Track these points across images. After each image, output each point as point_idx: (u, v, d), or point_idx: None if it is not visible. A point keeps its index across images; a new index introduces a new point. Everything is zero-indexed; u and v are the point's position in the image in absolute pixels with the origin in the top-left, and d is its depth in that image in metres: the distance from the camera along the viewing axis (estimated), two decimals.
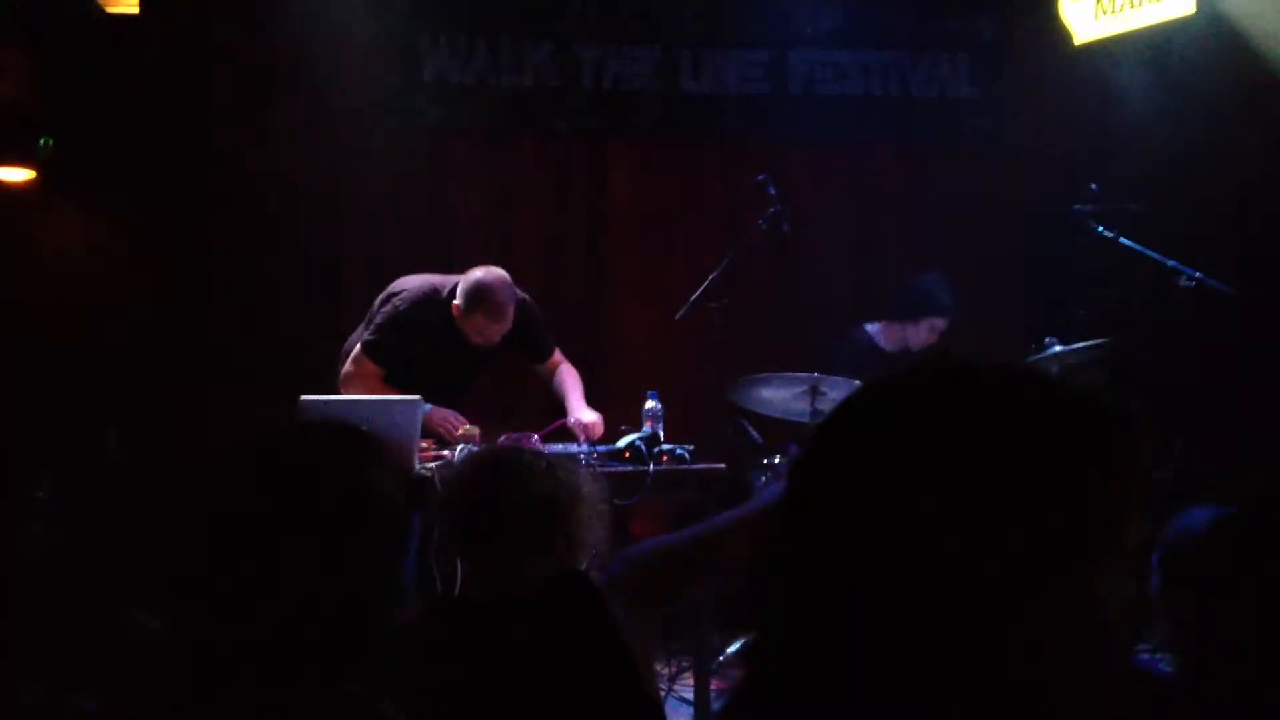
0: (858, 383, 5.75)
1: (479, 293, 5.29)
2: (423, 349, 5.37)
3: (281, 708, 1.61)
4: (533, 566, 2.65)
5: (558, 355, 5.76)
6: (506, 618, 2.60)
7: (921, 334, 6.43)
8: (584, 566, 2.74)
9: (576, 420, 5.36)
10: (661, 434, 5.23)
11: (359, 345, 5.43)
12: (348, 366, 5.43)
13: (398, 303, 5.40)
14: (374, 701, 1.72)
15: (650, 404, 5.30)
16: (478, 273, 5.35)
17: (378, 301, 5.50)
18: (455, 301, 5.32)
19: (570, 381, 5.63)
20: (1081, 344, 5.69)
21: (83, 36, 6.45)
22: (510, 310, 5.32)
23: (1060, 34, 6.76)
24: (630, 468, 4.98)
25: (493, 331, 5.35)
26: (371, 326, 5.42)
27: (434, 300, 5.39)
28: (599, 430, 5.32)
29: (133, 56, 6.57)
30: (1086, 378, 1.14)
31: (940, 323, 6.40)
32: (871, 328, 6.54)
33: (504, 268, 5.48)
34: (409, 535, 1.80)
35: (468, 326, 5.34)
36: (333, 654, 1.67)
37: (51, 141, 6.32)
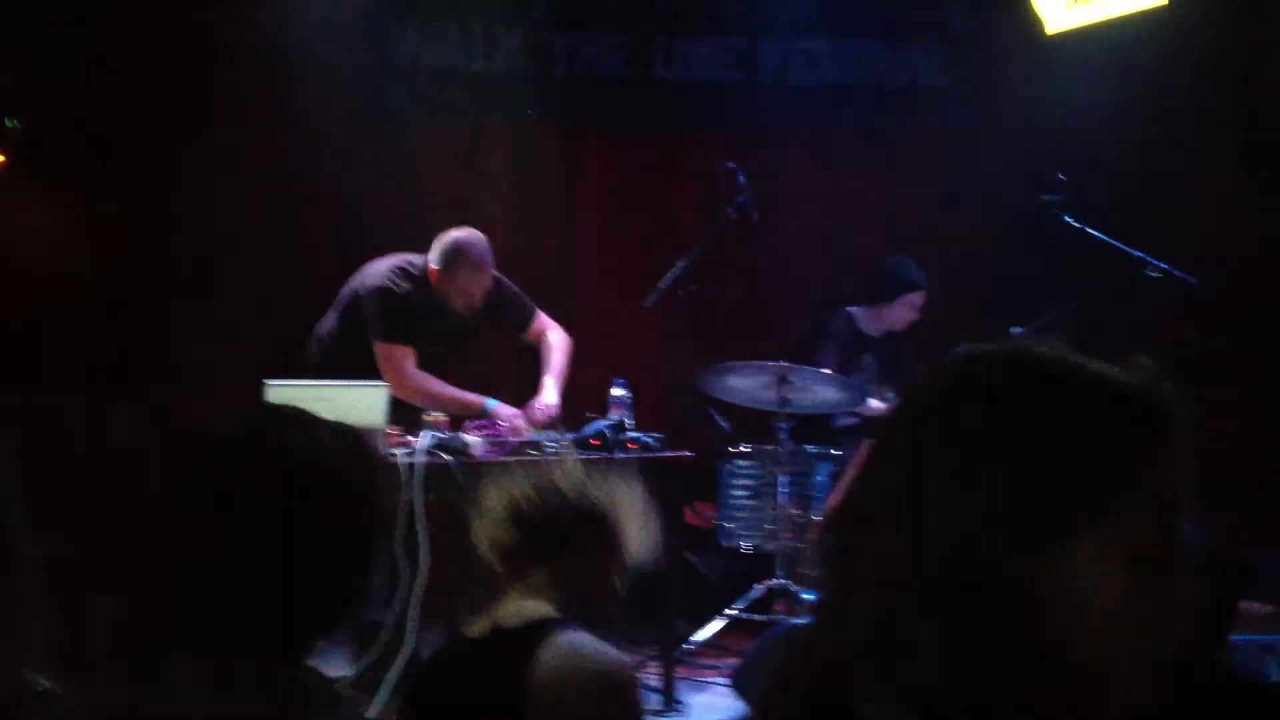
0: (826, 371, 5.78)
1: (457, 249, 5.30)
2: (413, 322, 5.37)
3: (237, 689, 1.61)
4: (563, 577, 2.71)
5: (541, 320, 5.72)
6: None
7: (900, 313, 6.43)
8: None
9: (529, 406, 5.39)
10: (630, 422, 5.22)
11: (377, 342, 5.33)
12: (384, 367, 5.27)
13: (380, 281, 5.36)
14: (329, 683, 1.72)
15: (617, 391, 5.30)
16: (451, 233, 5.37)
17: (351, 289, 5.45)
18: (433, 266, 5.30)
19: (552, 355, 5.62)
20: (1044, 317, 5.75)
21: (50, 18, 6.40)
22: (490, 263, 5.33)
23: (1032, 23, 6.77)
24: (596, 455, 4.97)
25: (476, 288, 5.35)
26: (374, 317, 5.35)
27: (408, 273, 5.39)
28: (537, 418, 5.31)
29: (101, 39, 6.53)
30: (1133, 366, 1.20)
31: (917, 298, 6.42)
32: (855, 311, 6.54)
33: None
34: (382, 521, 1.80)
35: (451, 288, 5.33)
36: (296, 637, 1.67)
37: (18, 123, 6.27)
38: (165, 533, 1.66)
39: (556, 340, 5.67)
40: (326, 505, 1.67)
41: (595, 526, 2.75)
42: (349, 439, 1.76)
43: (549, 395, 5.41)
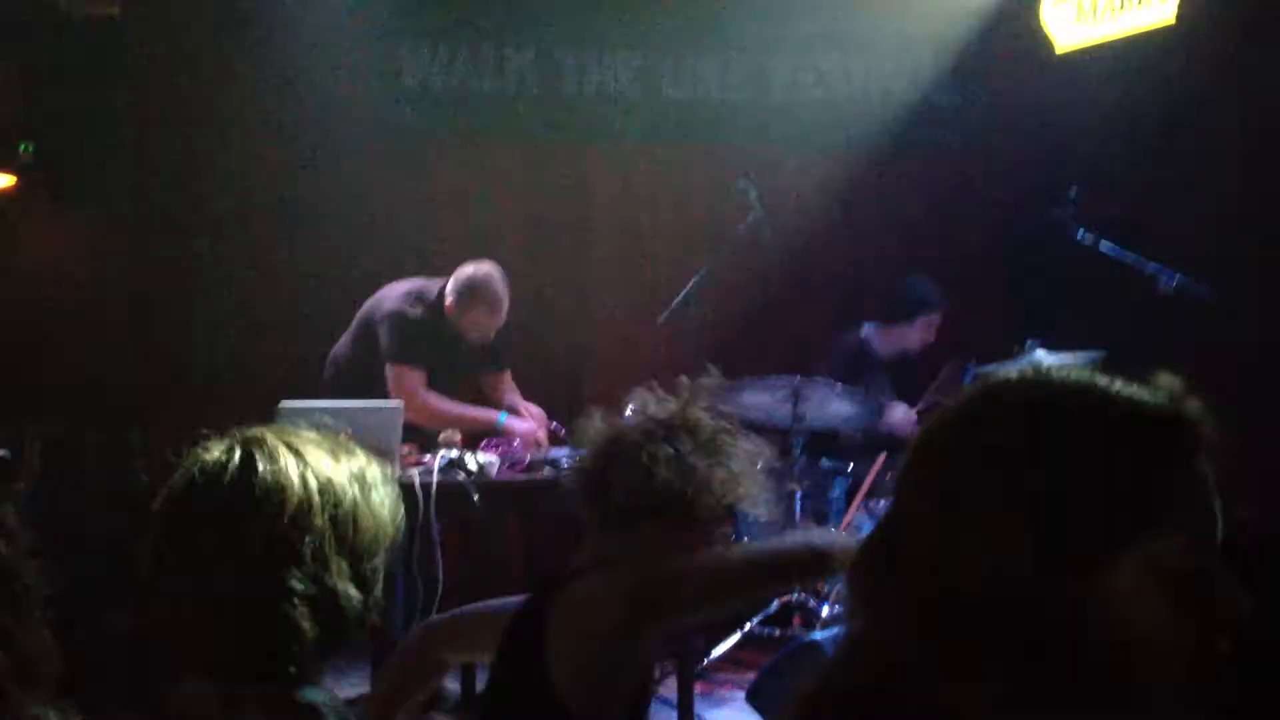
0: (839, 386, 5.77)
1: (475, 286, 5.31)
2: (425, 346, 5.38)
3: (245, 712, 1.61)
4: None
5: (508, 376, 5.77)
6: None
7: (916, 334, 6.42)
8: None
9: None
10: None
11: (389, 364, 5.34)
12: (395, 389, 5.27)
13: (394, 305, 5.38)
14: (343, 705, 1.71)
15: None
16: (469, 268, 5.37)
17: (368, 312, 5.46)
18: (449, 300, 5.31)
19: (515, 397, 5.65)
20: (1069, 354, 5.70)
21: (62, 41, 6.43)
22: (506, 302, 5.35)
23: (1041, 40, 6.77)
24: None
25: (489, 324, 5.36)
26: (387, 339, 5.37)
27: (423, 299, 5.40)
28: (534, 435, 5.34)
29: (113, 61, 6.55)
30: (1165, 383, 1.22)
31: (935, 319, 6.41)
32: (866, 333, 6.53)
33: None
34: (391, 544, 1.79)
35: (465, 322, 5.34)
36: (303, 660, 1.67)
37: (32, 148, 6.29)
38: (167, 557, 1.67)
39: (516, 393, 5.72)
40: (326, 530, 1.67)
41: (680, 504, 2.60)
42: (355, 462, 1.76)
43: (533, 415, 5.45)
